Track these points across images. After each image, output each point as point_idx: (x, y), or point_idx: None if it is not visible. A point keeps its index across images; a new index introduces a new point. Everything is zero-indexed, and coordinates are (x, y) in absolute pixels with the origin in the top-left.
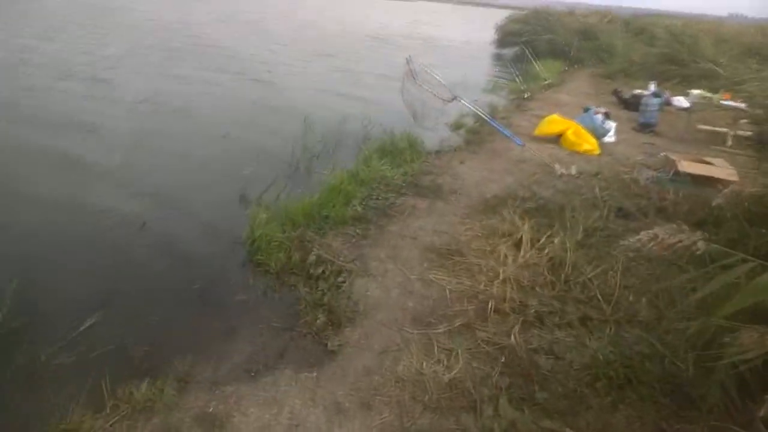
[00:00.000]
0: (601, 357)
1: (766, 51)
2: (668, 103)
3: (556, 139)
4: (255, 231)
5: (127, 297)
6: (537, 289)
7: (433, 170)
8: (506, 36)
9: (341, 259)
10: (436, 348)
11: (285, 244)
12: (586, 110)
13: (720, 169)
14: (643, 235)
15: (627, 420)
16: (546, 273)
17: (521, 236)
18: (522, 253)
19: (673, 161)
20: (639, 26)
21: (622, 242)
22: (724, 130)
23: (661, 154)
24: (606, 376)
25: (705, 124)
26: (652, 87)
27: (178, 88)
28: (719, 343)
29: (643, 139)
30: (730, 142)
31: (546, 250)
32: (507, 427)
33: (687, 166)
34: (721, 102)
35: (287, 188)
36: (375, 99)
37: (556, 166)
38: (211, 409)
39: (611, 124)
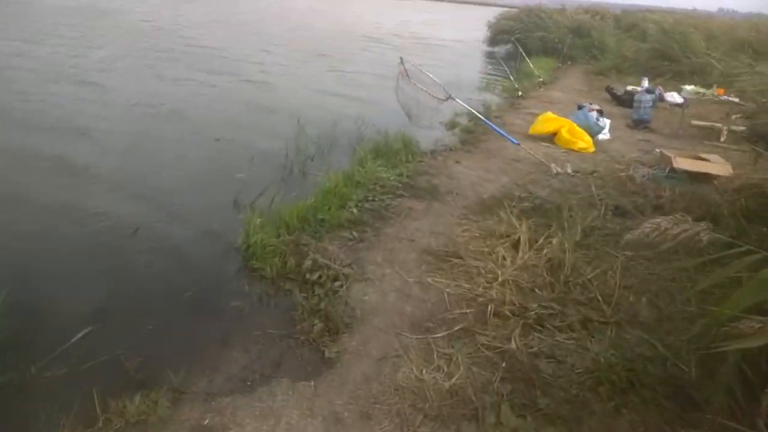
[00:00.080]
0: (602, 360)
1: (758, 45)
2: (661, 99)
3: (551, 137)
4: (250, 236)
5: (120, 306)
6: (536, 291)
7: (429, 171)
8: (498, 34)
9: (337, 263)
10: (435, 354)
11: (280, 248)
12: (580, 108)
13: (715, 165)
14: (647, 226)
15: (631, 425)
16: (545, 274)
17: (519, 237)
18: (520, 254)
19: (669, 158)
20: (630, 22)
21: (627, 235)
22: (718, 125)
23: (656, 150)
24: (608, 380)
25: (699, 119)
26: (645, 83)
27: (172, 90)
28: (720, 339)
29: (638, 136)
30: (724, 138)
31: (544, 251)
32: None
33: (682, 163)
34: (714, 97)
35: (282, 191)
36: (369, 99)
37: (552, 165)
38: (206, 422)
39: (606, 122)
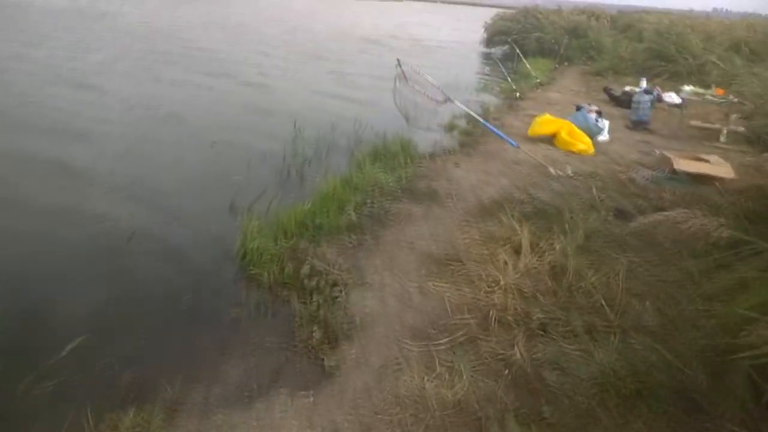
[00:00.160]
0: (608, 368)
1: (754, 45)
2: (659, 100)
3: (550, 139)
4: (247, 242)
5: (114, 314)
6: (539, 297)
7: (428, 174)
8: (495, 35)
9: (336, 269)
10: (437, 363)
11: (278, 254)
12: (579, 109)
13: (716, 166)
14: (657, 216)
15: None
16: (547, 279)
17: (520, 241)
18: (522, 258)
19: (669, 159)
20: (625, 23)
21: (633, 224)
22: (718, 126)
23: (656, 152)
24: (615, 388)
25: (698, 120)
26: (644, 84)
27: (170, 93)
28: (730, 344)
29: (637, 137)
30: (723, 138)
31: (546, 255)
32: None
33: (683, 164)
34: (713, 97)
35: (279, 195)
36: (367, 101)
37: (551, 169)
38: None
39: (605, 123)
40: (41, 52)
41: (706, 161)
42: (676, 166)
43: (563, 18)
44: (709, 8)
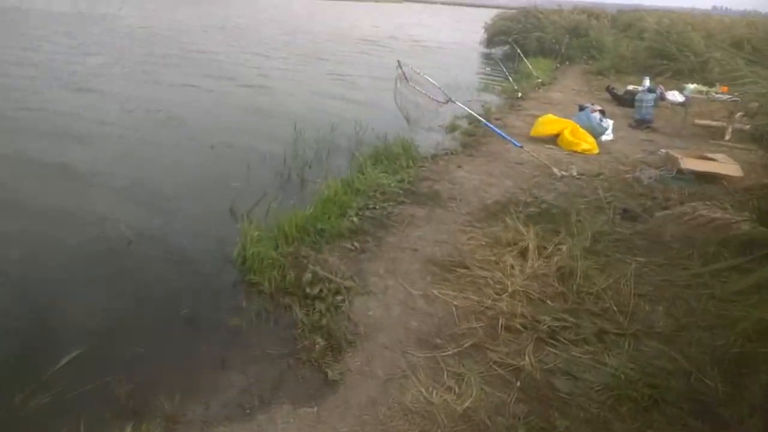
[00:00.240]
0: (622, 376)
1: (756, 43)
2: (663, 98)
3: (553, 139)
4: (247, 248)
5: (111, 325)
6: (548, 302)
7: (431, 176)
8: (495, 35)
9: (339, 276)
10: (445, 373)
11: (279, 261)
12: (582, 109)
13: (723, 164)
14: (681, 209)
15: None
16: (556, 284)
17: (527, 244)
18: (529, 262)
19: (675, 158)
20: (626, 22)
21: (658, 213)
22: (721, 124)
23: (662, 151)
24: (629, 397)
25: (701, 118)
26: (646, 82)
27: (170, 96)
28: (747, 350)
29: (641, 136)
30: (728, 136)
31: (554, 259)
32: None
33: (690, 163)
34: (717, 95)
35: (280, 199)
36: (368, 102)
37: (555, 168)
38: None
39: (609, 122)
40: (41, 55)
41: (713, 160)
42: (682, 165)
43: (563, 17)
44: (708, 6)
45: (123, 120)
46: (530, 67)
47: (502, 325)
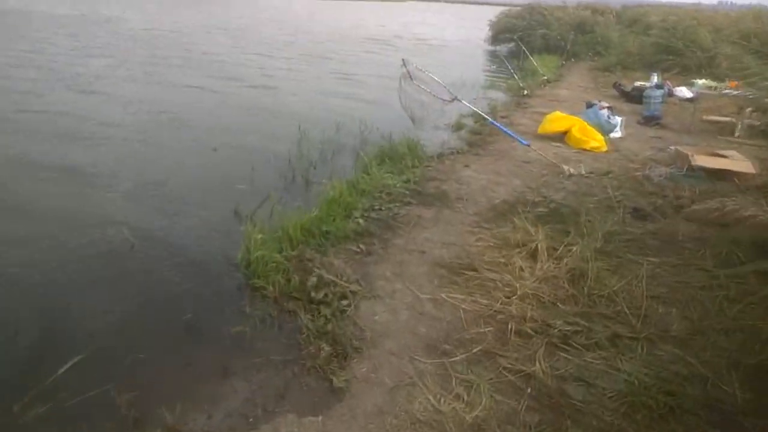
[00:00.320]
0: (636, 382)
1: (764, 37)
2: (671, 94)
3: (561, 136)
4: (251, 252)
5: (112, 331)
6: (559, 305)
7: (437, 176)
8: (500, 32)
9: (344, 279)
10: (454, 380)
11: (283, 264)
12: (590, 106)
13: (736, 161)
14: (711, 204)
15: None
16: (567, 286)
17: (536, 246)
18: (539, 264)
19: (686, 155)
20: (631, 17)
21: (691, 207)
22: (731, 119)
23: (672, 148)
24: (644, 405)
25: (711, 114)
26: (655, 79)
27: (173, 97)
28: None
29: (650, 133)
30: (738, 133)
31: (564, 260)
32: None
33: (701, 161)
34: (726, 91)
35: (284, 201)
36: (373, 101)
37: (564, 166)
38: None
39: (617, 119)
40: (44, 58)
41: (724, 157)
42: (693, 162)
43: (568, 14)
44: (714, 1)
45: (126, 122)
46: (536, 64)
47: (512, 330)
